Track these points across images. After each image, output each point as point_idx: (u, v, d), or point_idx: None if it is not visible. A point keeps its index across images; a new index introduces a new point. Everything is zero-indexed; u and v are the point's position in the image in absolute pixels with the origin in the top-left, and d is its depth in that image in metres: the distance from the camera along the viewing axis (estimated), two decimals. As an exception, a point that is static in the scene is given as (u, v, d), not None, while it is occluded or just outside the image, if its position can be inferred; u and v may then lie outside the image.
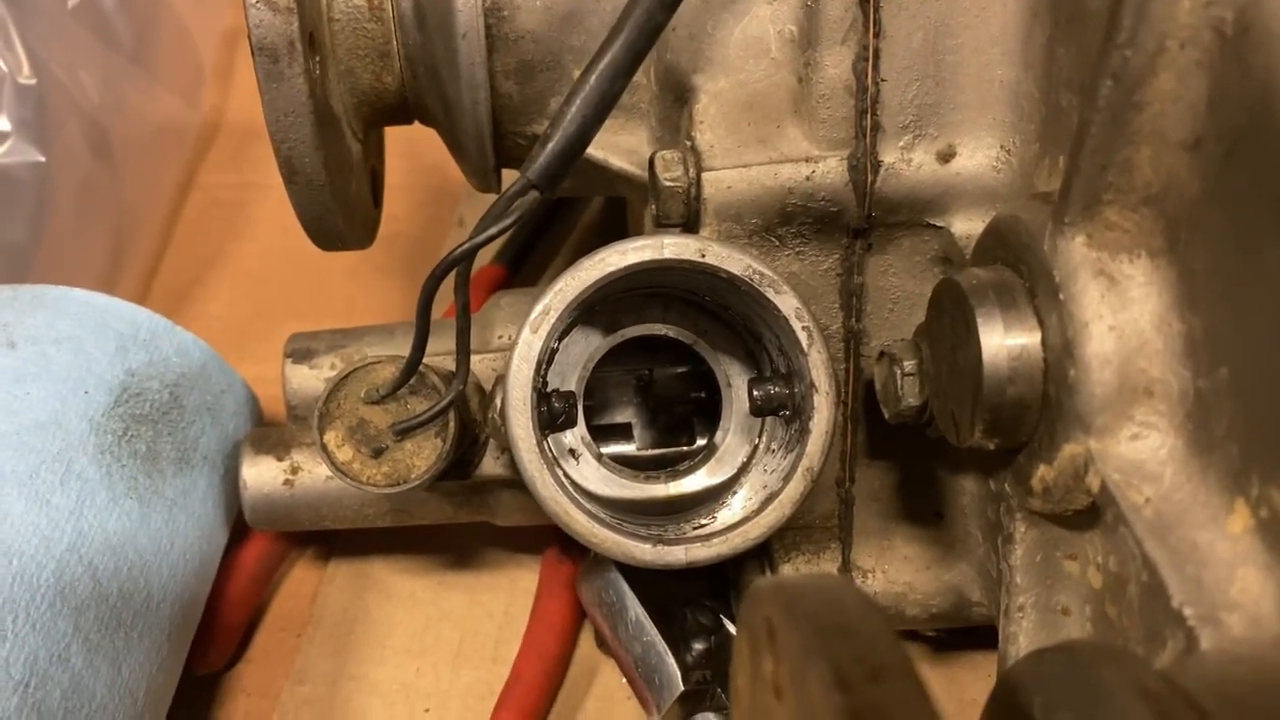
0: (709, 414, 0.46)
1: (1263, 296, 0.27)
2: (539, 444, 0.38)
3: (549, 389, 0.41)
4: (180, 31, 0.77)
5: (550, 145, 0.35)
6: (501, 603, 0.54)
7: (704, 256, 0.38)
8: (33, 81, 0.61)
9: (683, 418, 0.49)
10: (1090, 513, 0.33)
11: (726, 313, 0.43)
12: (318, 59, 0.41)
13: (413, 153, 0.71)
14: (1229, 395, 0.29)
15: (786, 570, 0.46)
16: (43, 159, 0.60)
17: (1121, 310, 0.31)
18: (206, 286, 0.70)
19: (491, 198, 0.50)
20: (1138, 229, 0.31)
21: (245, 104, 0.80)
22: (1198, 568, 0.28)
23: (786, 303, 0.38)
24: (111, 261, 0.66)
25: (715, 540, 0.38)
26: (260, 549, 0.52)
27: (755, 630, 0.27)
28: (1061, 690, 0.25)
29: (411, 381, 0.39)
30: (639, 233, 0.50)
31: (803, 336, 0.38)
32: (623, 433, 0.49)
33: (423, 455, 0.40)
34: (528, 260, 0.66)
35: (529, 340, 0.38)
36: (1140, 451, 0.31)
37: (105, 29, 0.68)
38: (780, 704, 0.25)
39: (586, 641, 0.53)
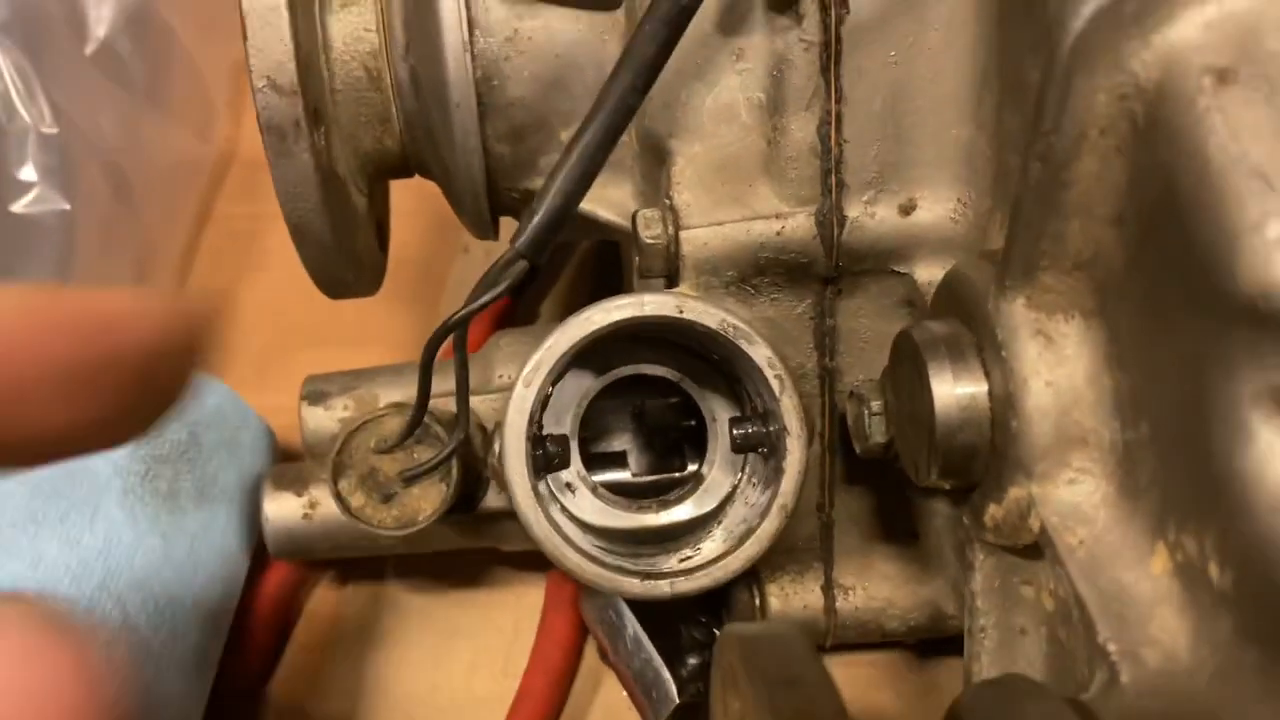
0: (699, 440, 0.49)
1: (1172, 364, 0.30)
2: (534, 488, 0.41)
3: (544, 433, 0.44)
4: (190, 67, 0.79)
5: (536, 219, 0.38)
6: (510, 618, 0.57)
7: (682, 313, 0.41)
8: (55, 130, 0.64)
9: (675, 444, 0.52)
10: (1037, 546, 0.36)
11: (709, 355, 0.46)
12: (322, 129, 0.44)
13: (418, 180, 0.74)
14: (1150, 448, 0.32)
15: (772, 589, 0.50)
16: (68, 206, 0.64)
17: (1058, 367, 0.34)
18: (225, 317, 0.74)
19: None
20: (1072, 292, 0.34)
21: (256, 136, 0.83)
22: (1122, 606, 0.32)
23: (759, 353, 0.41)
24: (135, 298, 0.70)
25: (698, 574, 0.42)
26: (283, 576, 0.56)
27: (724, 673, 0.30)
28: (992, 723, 0.28)
29: (416, 432, 0.43)
30: (631, 267, 0.53)
31: (775, 384, 0.41)
32: (619, 460, 0.52)
33: (429, 499, 0.43)
34: (527, 288, 0.69)
35: (522, 394, 0.41)
36: (1076, 495, 0.34)
37: (121, 71, 0.71)
38: (743, 740, 0.28)
39: (591, 655, 0.56)
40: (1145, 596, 0.31)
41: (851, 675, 0.55)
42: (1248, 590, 0.28)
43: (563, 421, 0.46)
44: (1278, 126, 0.28)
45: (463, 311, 0.38)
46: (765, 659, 0.27)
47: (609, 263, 0.69)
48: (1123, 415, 0.33)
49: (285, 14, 0.41)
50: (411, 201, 0.73)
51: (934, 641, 0.53)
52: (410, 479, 0.43)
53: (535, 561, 0.58)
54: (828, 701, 0.25)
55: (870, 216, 0.43)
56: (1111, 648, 0.31)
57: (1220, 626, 0.29)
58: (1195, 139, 0.29)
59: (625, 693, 0.54)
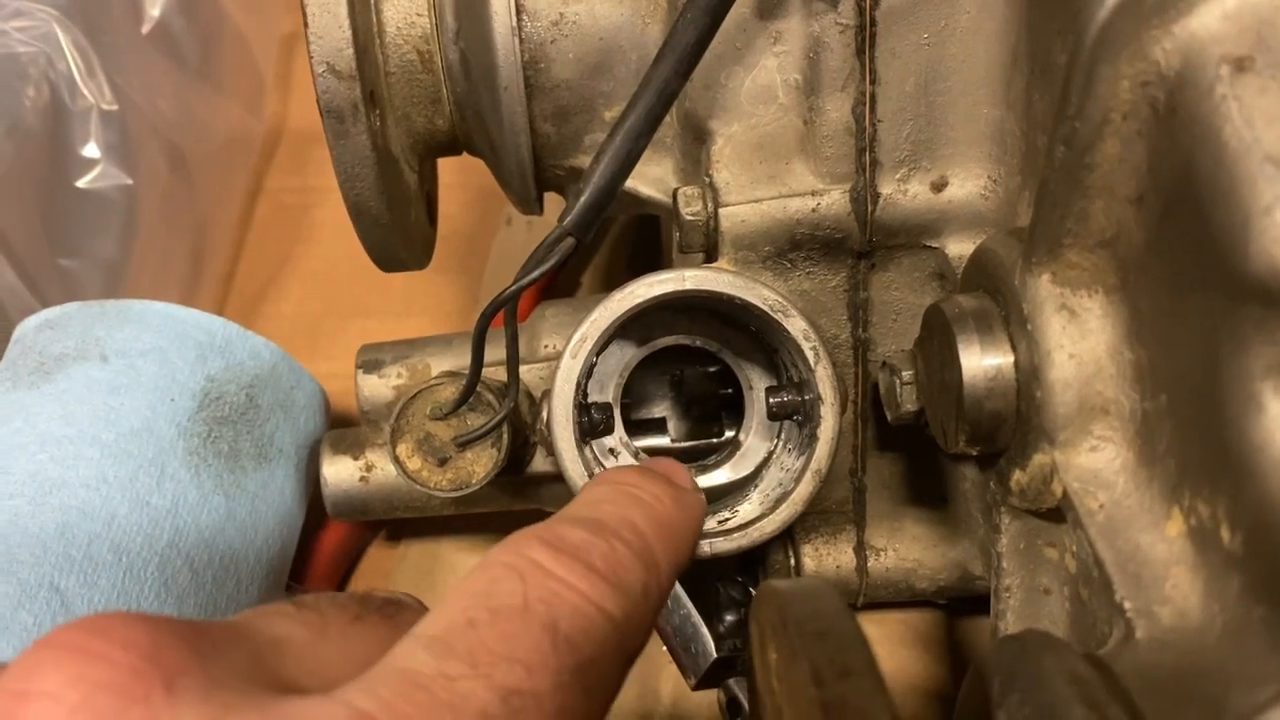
0: (736, 407, 0.51)
1: (1188, 338, 0.32)
2: (580, 453, 0.44)
3: (589, 401, 0.47)
4: (240, 43, 0.82)
5: (582, 199, 0.40)
6: (555, 577, 0.60)
7: (720, 287, 0.43)
8: (115, 108, 0.67)
9: (713, 410, 0.54)
10: (1060, 510, 0.38)
11: (747, 326, 0.48)
12: (378, 111, 0.47)
13: (462, 155, 0.76)
14: (1167, 418, 0.34)
15: (807, 550, 0.52)
16: (130, 181, 0.66)
17: (1081, 340, 0.36)
18: (278, 287, 0.76)
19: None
20: (1095, 268, 0.36)
21: (304, 109, 0.86)
22: (1138, 566, 0.33)
23: (795, 325, 0.43)
24: (193, 269, 0.73)
25: (735, 535, 0.44)
26: (340, 535, 0.59)
27: (762, 626, 0.32)
28: (1013, 675, 0.30)
29: (470, 400, 0.45)
30: (671, 241, 0.55)
31: (810, 355, 0.43)
32: (659, 426, 0.55)
33: (481, 463, 0.45)
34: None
35: (569, 364, 0.43)
36: (1097, 462, 0.36)
37: (175, 49, 0.74)
38: (779, 687, 0.31)
39: (631, 612, 0.58)
40: (1160, 557, 0.33)
41: (884, 632, 0.57)
42: (1256, 551, 0.29)
43: (606, 390, 0.48)
44: (1291, 113, 0.29)
45: (514, 287, 0.40)
46: (800, 612, 0.29)
47: (648, 234, 0.71)
48: (1142, 386, 0.35)
49: (343, 1, 0.43)
50: (455, 175, 0.75)
51: (964, 600, 0.55)
52: (464, 444, 0.45)
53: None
54: (859, 652, 0.27)
55: (903, 193, 0.44)
56: (1128, 605, 0.33)
57: (1230, 586, 0.31)
58: (1212, 125, 0.30)
59: (665, 648, 0.56)
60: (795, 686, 0.27)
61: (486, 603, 0.27)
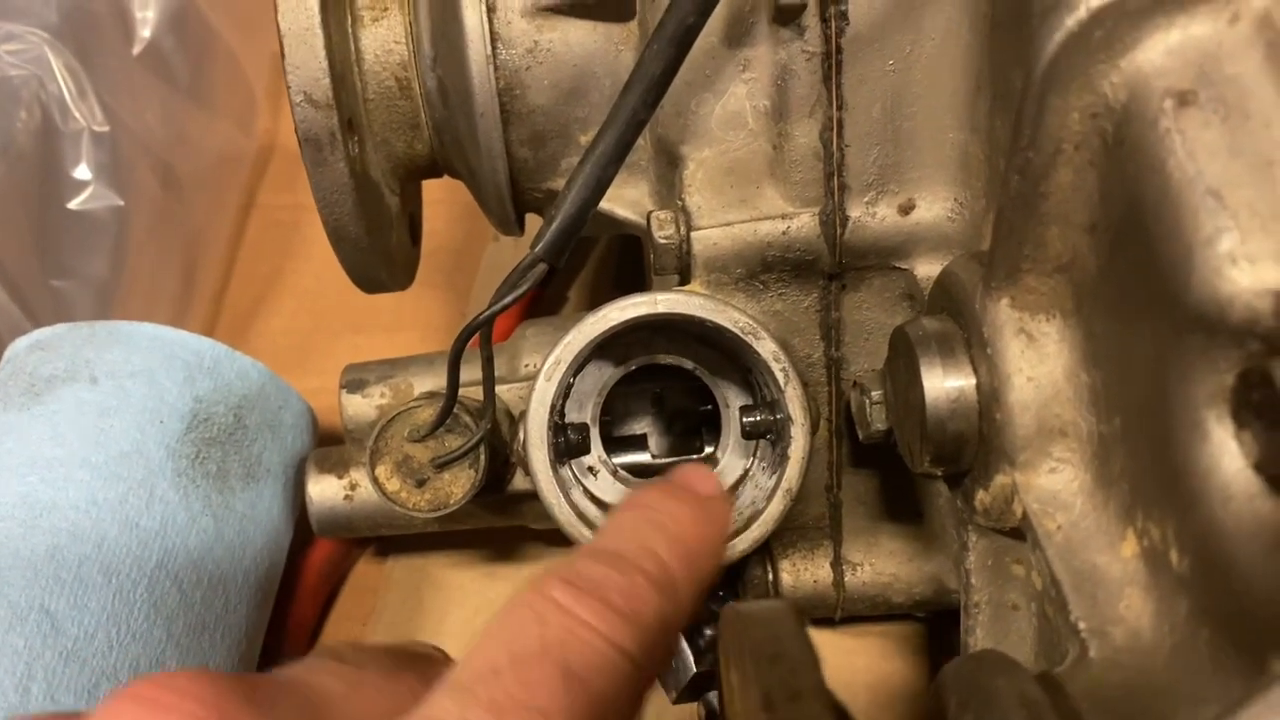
0: (716, 424, 0.52)
1: (1138, 364, 0.33)
2: (555, 475, 0.44)
3: (566, 421, 0.47)
4: (231, 61, 0.83)
5: (554, 224, 0.41)
6: (540, 592, 0.61)
7: (692, 310, 0.44)
8: (106, 129, 0.68)
9: (694, 426, 0.55)
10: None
11: (721, 346, 0.49)
12: (356, 138, 0.47)
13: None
14: (1120, 441, 0.34)
15: (785, 566, 0.53)
16: (121, 202, 0.67)
17: (1039, 364, 0.37)
18: (269, 305, 0.77)
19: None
20: (1052, 293, 0.37)
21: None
22: (1094, 586, 0.34)
23: (765, 347, 0.44)
24: (184, 287, 0.73)
25: (708, 554, 0.45)
26: (326, 552, 0.60)
27: (725, 649, 0.33)
28: (968, 695, 0.31)
29: (447, 421, 0.46)
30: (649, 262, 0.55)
31: (780, 376, 0.44)
32: (641, 443, 0.55)
33: (459, 483, 0.46)
34: (550, 283, 0.72)
35: (543, 387, 0.44)
36: (1056, 483, 0.37)
37: (166, 70, 0.75)
38: (738, 708, 0.31)
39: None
40: (1115, 578, 0.34)
41: (862, 645, 0.57)
42: (1201, 575, 0.30)
43: (585, 409, 0.49)
44: (1232, 147, 0.30)
45: (487, 312, 0.41)
46: (755, 635, 0.30)
47: (632, 249, 0.71)
48: (1098, 409, 0.36)
49: (320, 33, 0.44)
50: (441, 192, 0.76)
51: (942, 616, 0.56)
52: (441, 465, 0.46)
53: (565, 538, 0.61)
54: (809, 676, 0.28)
55: (871, 216, 0.45)
56: (1082, 625, 0.33)
57: (1179, 607, 0.31)
58: (1157, 157, 0.31)
59: (647, 662, 0.57)
60: (749, 709, 0.28)
61: (509, 648, 0.28)
